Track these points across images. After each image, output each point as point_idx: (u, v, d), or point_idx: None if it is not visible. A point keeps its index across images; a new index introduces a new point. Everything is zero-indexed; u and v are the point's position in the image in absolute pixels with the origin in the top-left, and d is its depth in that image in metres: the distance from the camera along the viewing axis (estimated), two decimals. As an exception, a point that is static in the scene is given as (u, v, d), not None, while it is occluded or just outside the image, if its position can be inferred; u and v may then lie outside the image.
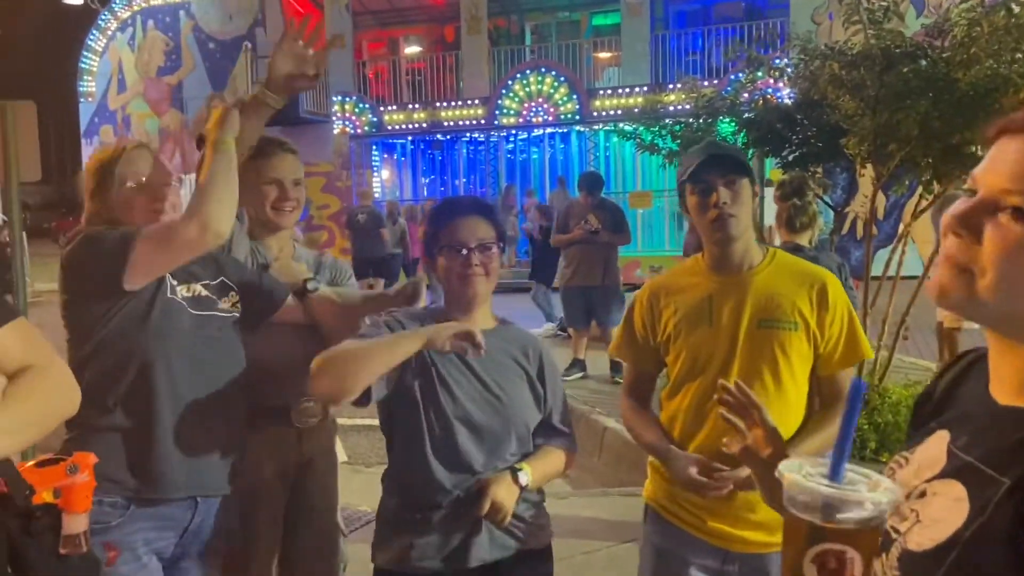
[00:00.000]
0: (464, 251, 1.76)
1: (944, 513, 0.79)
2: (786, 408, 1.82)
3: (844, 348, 1.85)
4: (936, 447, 0.87)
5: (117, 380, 1.76)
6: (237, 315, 1.96)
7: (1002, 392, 0.84)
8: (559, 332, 8.41)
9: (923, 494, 0.83)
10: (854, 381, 0.84)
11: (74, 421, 1.64)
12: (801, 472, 0.79)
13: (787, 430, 1.82)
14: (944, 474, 0.82)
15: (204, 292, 1.89)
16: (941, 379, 0.99)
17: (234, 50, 17.08)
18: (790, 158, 5.51)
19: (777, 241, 3.98)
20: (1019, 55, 3.75)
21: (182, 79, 18.64)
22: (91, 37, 19.55)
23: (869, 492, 0.76)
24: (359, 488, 4.00)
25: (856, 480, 0.79)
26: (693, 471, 1.75)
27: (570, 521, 4.05)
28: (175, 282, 1.83)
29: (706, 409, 1.83)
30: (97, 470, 1.74)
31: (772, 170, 6.50)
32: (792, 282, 1.85)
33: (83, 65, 19.68)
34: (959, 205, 0.82)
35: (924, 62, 4.04)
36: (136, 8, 19.03)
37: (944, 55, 4.04)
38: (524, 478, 1.74)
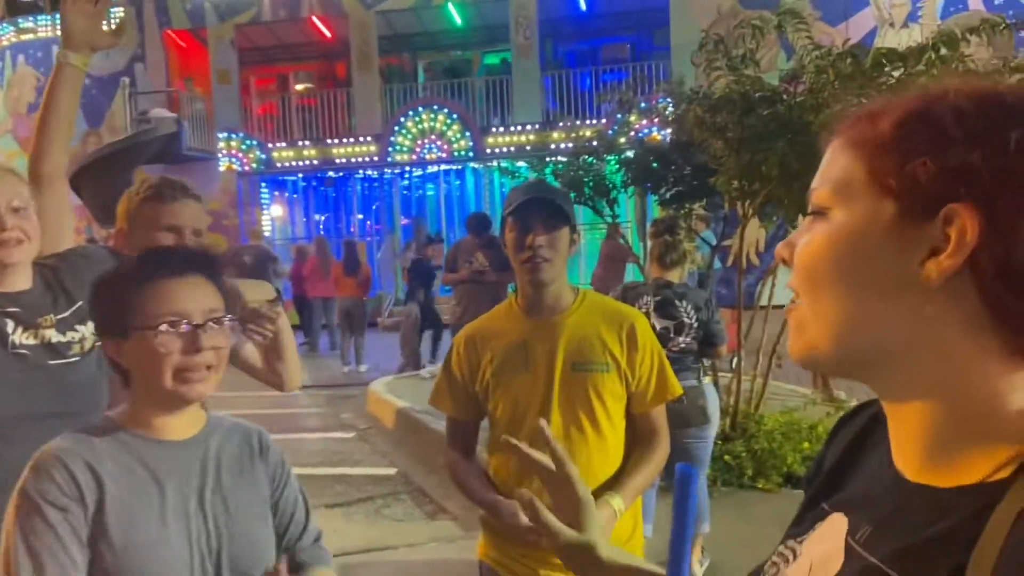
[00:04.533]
0: (185, 325, 1.21)
1: None
2: (604, 449, 1.84)
3: (656, 386, 1.90)
4: (830, 538, 0.67)
5: None
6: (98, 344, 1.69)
7: (907, 464, 0.64)
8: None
9: None
10: (681, 469, 0.69)
11: None
12: None
13: (607, 470, 1.85)
14: None
15: (55, 336, 1.66)
16: (834, 439, 0.79)
17: (111, 86, 16.38)
18: (667, 195, 5.73)
19: (651, 277, 4.10)
20: (863, 100, 4.02)
21: (56, 115, 17.73)
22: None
23: None
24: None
25: None
26: (523, 518, 1.74)
27: (458, 564, 3.99)
28: (14, 328, 1.61)
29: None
30: None
31: (657, 207, 6.74)
32: (603, 323, 1.88)
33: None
34: None
35: (780, 106, 4.28)
36: (6, 43, 18.03)
37: (798, 100, 4.31)
38: None
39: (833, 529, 0.67)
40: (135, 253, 1.76)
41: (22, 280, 1.67)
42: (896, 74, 4.09)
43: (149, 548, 1.18)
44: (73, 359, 1.66)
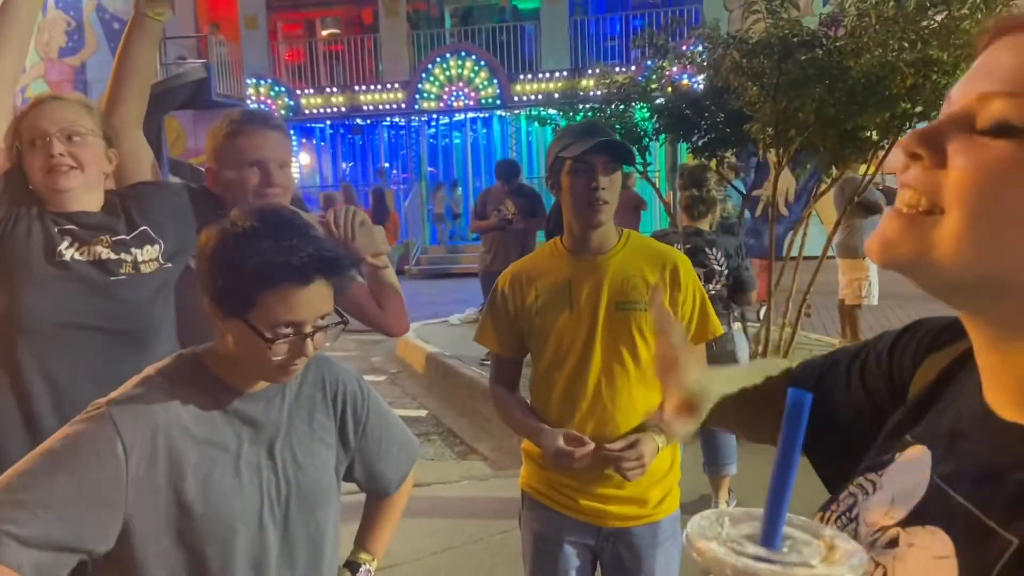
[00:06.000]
0: (296, 335, 1.21)
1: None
2: (647, 387, 1.89)
3: (697, 325, 1.93)
4: (913, 471, 0.63)
5: None
6: (169, 267, 1.78)
7: (1001, 401, 0.60)
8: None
9: (893, 542, 0.60)
10: (793, 393, 0.55)
11: None
12: (721, 536, 0.55)
13: (649, 405, 1.89)
14: (924, 516, 0.59)
15: (108, 254, 1.72)
16: (924, 360, 0.73)
17: (141, 31, 16.39)
18: (700, 143, 5.68)
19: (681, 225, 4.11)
20: (906, 44, 3.96)
21: (85, 60, 17.78)
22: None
23: (824, 567, 0.52)
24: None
25: (801, 544, 0.54)
26: (561, 442, 1.81)
27: (490, 502, 4.12)
28: (69, 244, 1.68)
29: (576, 392, 1.88)
30: None
31: (688, 155, 6.69)
32: (646, 263, 1.91)
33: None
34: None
35: (820, 51, 4.21)
36: None
37: (837, 44, 4.23)
38: None
39: (916, 461, 0.63)
40: (225, 191, 1.83)
41: (88, 203, 1.74)
42: (939, 18, 4.00)
43: (223, 496, 1.23)
44: (120, 277, 1.72)
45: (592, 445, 1.80)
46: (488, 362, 6.58)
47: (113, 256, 1.72)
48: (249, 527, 1.25)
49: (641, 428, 1.85)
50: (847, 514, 0.67)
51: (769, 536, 0.53)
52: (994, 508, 0.54)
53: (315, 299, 1.20)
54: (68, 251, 1.68)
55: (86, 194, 1.74)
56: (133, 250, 1.75)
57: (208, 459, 1.23)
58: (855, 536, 0.63)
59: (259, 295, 1.17)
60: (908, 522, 0.60)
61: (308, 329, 1.20)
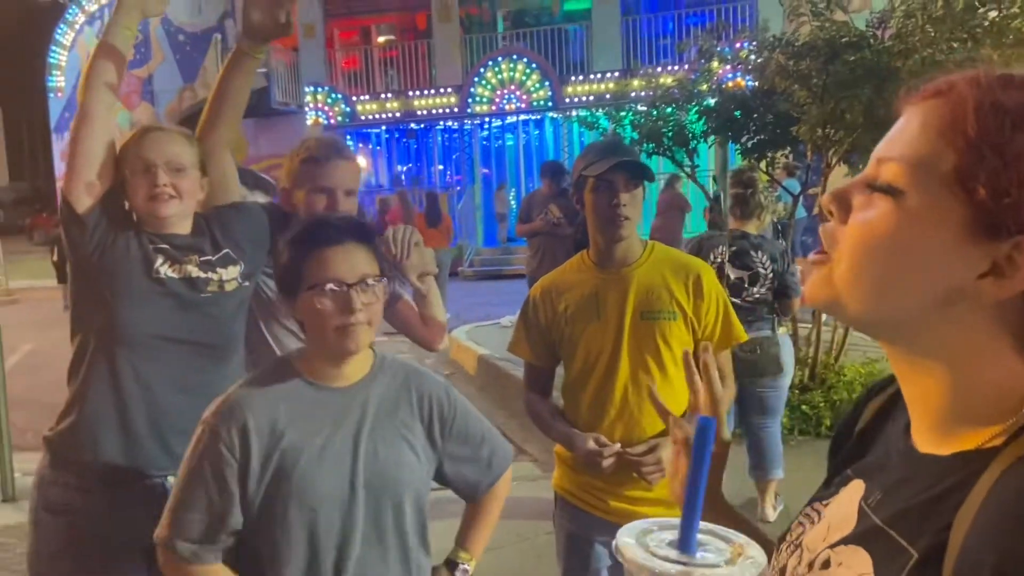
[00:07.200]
0: (342, 288, 1.38)
1: None
2: (672, 393, 1.95)
3: (721, 332, 1.99)
4: (849, 502, 0.71)
5: (83, 351, 1.83)
6: (246, 286, 1.94)
7: (920, 435, 0.68)
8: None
9: (827, 563, 0.68)
10: (701, 420, 0.69)
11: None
12: (646, 541, 0.65)
13: (674, 411, 1.94)
14: (852, 539, 0.67)
15: (197, 272, 1.87)
16: (867, 404, 0.82)
17: (204, 42, 16.96)
18: (749, 144, 5.65)
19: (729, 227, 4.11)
20: (955, 44, 3.89)
21: (152, 72, 18.49)
22: (59, 32, 19.35)
23: (727, 567, 0.63)
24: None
25: (714, 549, 0.65)
26: (592, 443, 1.89)
27: (537, 503, 4.19)
28: (163, 262, 1.84)
29: (604, 399, 1.96)
30: (64, 452, 1.81)
31: (739, 157, 6.63)
32: (670, 274, 1.98)
33: (52, 60, 19.48)
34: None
35: (867, 52, 4.17)
36: (103, 1, 18.82)
37: (885, 45, 4.18)
38: None
39: (852, 493, 0.71)
40: (296, 211, 2.01)
41: (179, 226, 1.91)
42: (992, 15, 3.91)
43: (310, 484, 1.38)
44: (208, 295, 1.88)
45: (618, 447, 1.87)
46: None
47: (201, 275, 1.88)
48: (331, 511, 1.39)
49: (666, 433, 1.91)
50: (795, 541, 0.75)
51: (684, 542, 0.63)
52: (904, 528, 0.62)
53: (351, 258, 1.40)
54: (163, 268, 1.85)
55: (181, 219, 1.91)
56: (219, 270, 1.91)
57: (295, 449, 1.39)
58: (799, 560, 0.72)
59: (303, 264, 1.39)
60: (837, 544, 0.68)
61: (351, 281, 1.37)
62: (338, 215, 1.71)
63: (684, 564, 0.61)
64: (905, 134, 0.64)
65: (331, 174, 2.02)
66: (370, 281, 1.40)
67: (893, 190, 0.62)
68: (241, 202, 2.09)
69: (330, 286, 1.37)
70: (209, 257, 1.91)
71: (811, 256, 0.68)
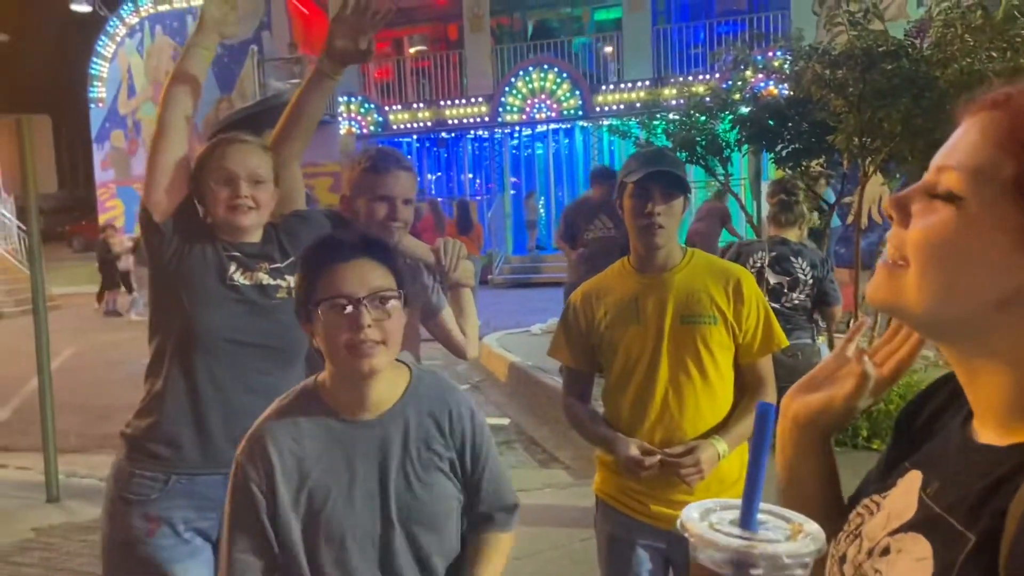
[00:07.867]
0: (351, 303, 1.33)
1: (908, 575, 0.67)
2: (712, 395, 1.96)
3: (762, 338, 2.00)
4: (907, 492, 0.74)
5: (162, 352, 1.91)
6: None
7: (982, 426, 0.71)
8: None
9: (887, 550, 0.70)
10: (761, 405, 0.71)
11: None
12: (709, 519, 0.69)
13: (716, 415, 1.97)
14: (911, 526, 0.69)
15: (267, 279, 1.94)
16: (926, 403, 0.85)
17: (241, 54, 17.26)
18: (783, 153, 5.64)
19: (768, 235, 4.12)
20: (994, 53, 3.86)
21: (190, 83, 18.83)
22: (100, 43, 19.82)
23: (787, 543, 0.65)
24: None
25: (774, 527, 0.68)
26: (635, 450, 1.91)
27: (570, 511, 4.21)
28: (236, 269, 1.91)
29: (644, 402, 1.98)
30: (137, 443, 1.88)
31: (772, 166, 6.60)
32: (710, 279, 1.99)
33: (93, 71, 19.95)
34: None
35: (905, 61, 4.15)
36: (144, 14, 19.27)
37: (924, 54, 4.16)
38: None
39: (910, 484, 0.74)
40: (356, 218, 2.09)
41: (252, 235, 1.99)
42: (1033, 24, 3.88)
43: (338, 520, 1.35)
44: (277, 301, 1.95)
45: (659, 456, 1.89)
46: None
47: (272, 282, 1.95)
48: (366, 547, 1.36)
49: (706, 436, 1.93)
50: (855, 532, 0.78)
51: (746, 520, 0.67)
52: (962, 515, 0.65)
53: (362, 273, 1.34)
54: (236, 275, 1.92)
55: (256, 229, 1.99)
56: (287, 277, 1.97)
57: (323, 487, 1.36)
58: (859, 548, 0.75)
59: (313, 282, 1.35)
60: (896, 531, 0.71)
61: (360, 295, 1.32)
62: (351, 231, 1.66)
63: (747, 539, 0.65)
64: (965, 143, 0.66)
65: (390, 183, 2.10)
66: (383, 296, 1.34)
67: (954, 197, 0.65)
68: (305, 210, 2.16)
69: (339, 300, 1.32)
70: (278, 264, 1.98)
71: (886, 260, 0.71)
